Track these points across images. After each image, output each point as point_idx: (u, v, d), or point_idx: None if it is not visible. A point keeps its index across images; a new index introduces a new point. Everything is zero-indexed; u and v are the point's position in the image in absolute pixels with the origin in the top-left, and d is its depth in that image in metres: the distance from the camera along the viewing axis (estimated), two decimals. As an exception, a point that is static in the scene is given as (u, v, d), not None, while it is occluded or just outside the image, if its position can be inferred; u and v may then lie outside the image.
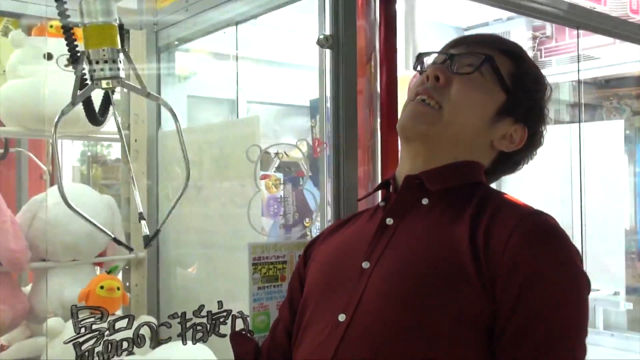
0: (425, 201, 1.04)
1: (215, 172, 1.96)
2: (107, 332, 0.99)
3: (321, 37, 1.42)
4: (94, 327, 0.98)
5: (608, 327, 2.72)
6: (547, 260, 0.90)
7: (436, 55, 1.12)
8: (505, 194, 1.04)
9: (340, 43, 1.42)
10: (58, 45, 1.99)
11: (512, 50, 1.10)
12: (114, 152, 3.32)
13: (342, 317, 0.97)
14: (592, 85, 3.95)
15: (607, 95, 4.63)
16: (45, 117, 1.92)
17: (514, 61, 1.08)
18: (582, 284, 0.93)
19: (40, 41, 2.02)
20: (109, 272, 1.95)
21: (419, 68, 1.14)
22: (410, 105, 1.06)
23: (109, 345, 0.99)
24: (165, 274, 2.18)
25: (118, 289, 1.77)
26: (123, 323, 1.01)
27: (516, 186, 3.05)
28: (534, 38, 3.11)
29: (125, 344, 1.01)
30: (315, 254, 1.16)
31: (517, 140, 1.08)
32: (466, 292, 0.90)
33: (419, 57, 1.15)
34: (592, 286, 2.52)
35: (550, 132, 3.00)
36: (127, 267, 2.18)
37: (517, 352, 0.89)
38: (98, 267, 2.13)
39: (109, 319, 0.99)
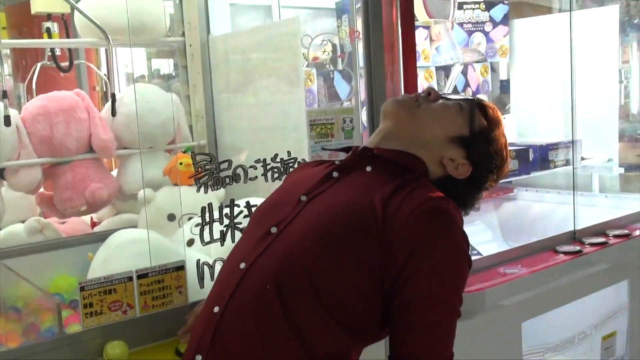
0: (368, 168, 1.25)
1: (262, 67, 2.32)
2: (215, 171, 1.41)
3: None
4: (206, 167, 1.39)
5: (603, 190, 3.11)
6: (434, 237, 1.11)
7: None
8: (432, 187, 1.22)
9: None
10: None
11: (492, 116, 1.32)
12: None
13: (273, 229, 1.19)
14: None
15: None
16: (116, 27, 2.30)
17: (489, 124, 1.31)
18: (460, 264, 1.15)
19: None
20: (184, 152, 2.36)
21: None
22: (404, 96, 1.34)
23: (217, 179, 1.41)
24: (222, 156, 2.59)
25: (192, 164, 2.19)
26: (225, 165, 1.43)
27: (522, 73, 3.38)
28: None
29: (227, 180, 1.43)
30: (289, 177, 1.46)
31: (461, 171, 1.27)
32: (367, 243, 1.10)
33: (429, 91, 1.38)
34: (589, 154, 2.89)
35: (551, 21, 3.28)
36: (190, 152, 2.60)
37: (396, 300, 1.11)
38: (168, 153, 2.54)
39: (215, 161, 1.41)
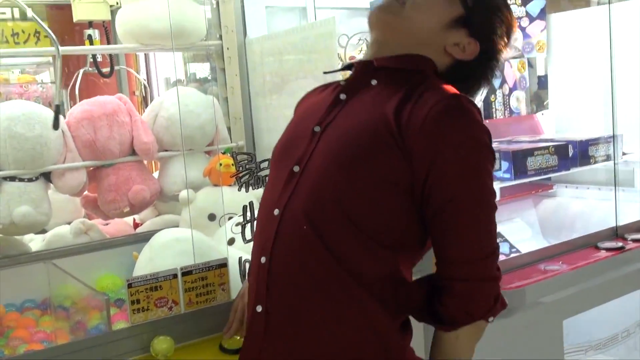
0: (374, 82, 1.19)
1: (298, 68, 2.35)
2: (255, 170, 1.44)
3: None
4: (247, 166, 1.42)
5: (645, 187, 3.05)
6: (451, 136, 1.08)
7: None
8: (439, 86, 1.16)
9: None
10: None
11: None
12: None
13: (296, 169, 1.16)
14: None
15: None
16: (156, 33, 2.36)
17: None
18: (485, 155, 1.11)
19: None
20: (223, 153, 2.40)
21: None
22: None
23: (258, 178, 1.44)
24: (260, 156, 2.63)
25: (232, 165, 2.23)
26: (265, 164, 1.45)
27: (561, 69, 3.34)
28: None
29: (267, 178, 1.46)
30: (297, 110, 1.40)
31: (467, 51, 1.21)
32: (389, 159, 1.08)
33: None
34: (630, 149, 2.84)
35: (590, 14, 3.22)
36: (230, 153, 2.64)
37: (428, 209, 1.10)
38: (207, 154, 2.59)
39: (255, 161, 1.44)
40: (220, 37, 2.59)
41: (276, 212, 1.14)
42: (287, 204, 1.13)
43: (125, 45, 2.46)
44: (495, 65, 1.25)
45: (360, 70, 1.22)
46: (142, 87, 3.60)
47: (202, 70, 4.17)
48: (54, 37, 2.17)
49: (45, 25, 2.35)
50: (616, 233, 2.35)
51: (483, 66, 1.24)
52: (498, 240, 1.16)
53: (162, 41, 2.37)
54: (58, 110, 2.15)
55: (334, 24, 2.14)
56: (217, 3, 2.58)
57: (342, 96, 1.20)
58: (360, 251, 1.09)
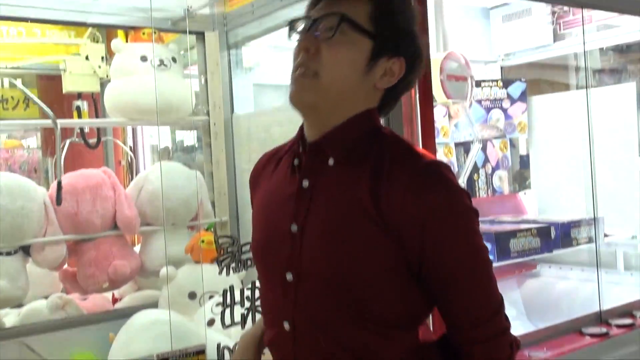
0: (331, 161, 1.12)
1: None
2: (237, 253, 1.42)
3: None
4: (229, 249, 1.41)
5: (628, 268, 3.06)
6: (437, 208, 1.04)
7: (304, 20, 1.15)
8: (400, 139, 1.14)
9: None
10: (150, 49, 2.44)
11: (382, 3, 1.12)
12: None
13: (289, 277, 1.11)
14: (615, 50, 4.19)
15: (631, 59, 4.87)
16: (144, 108, 2.38)
17: (372, 1, 1.12)
18: (470, 217, 1.08)
19: (136, 46, 2.47)
20: (206, 229, 2.38)
21: (293, 36, 1.17)
22: (292, 78, 1.12)
23: (239, 262, 1.42)
24: (244, 233, 2.62)
25: (214, 242, 2.21)
26: (247, 247, 1.44)
27: (542, 149, 3.41)
28: (553, 13, 3.43)
29: (249, 262, 1.45)
30: (256, 193, 1.28)
31: (396, 72, 1.13)
32: (380, 249, 1.05)
33: (291, 25, 1.17)
34: (611, 231, 2.87)
35: (569, 98, 3.34)
36: (212, 229, 2.62)
37: (431, 282, 1.08)
38: (190, 229, 2.57)
39: (238, 244, 1.43)
40: (208, 113, 2.61)
41: (286, 326, 1.12)
42: (294, 316, 1.11)
43: (114, 120, 2.48)
44: (420, 55, 1.17)
45: (313, 153, 1.14)
46: (128, 157, 3.61)
47: (189, 139, 4.21)
48: (51, 113, 2.20)
49: (36, 97, 2.37)
50: (600, 318, 2.33)
51: (412, 68, 1.16)
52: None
53: (150, 116, 2.39)
54: (60, 186, 2.17)
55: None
56: (206, 80, 2.62)
57: (305, 183, 1.13)
58: (378, 340, 1.08)
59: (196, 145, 3.80)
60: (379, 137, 1.13)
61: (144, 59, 2.42)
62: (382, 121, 1.20)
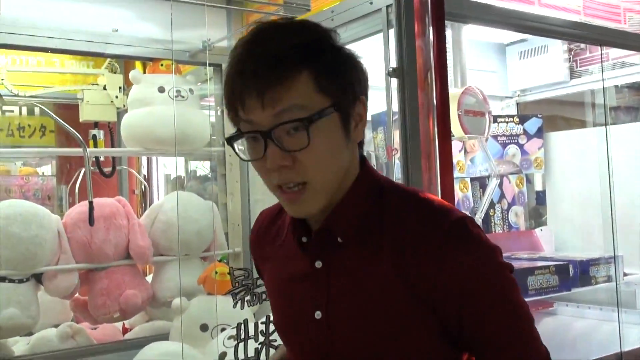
0: (340, 240, 1.03)
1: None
2: (252, 286, 1.40)
3: (390, 69, 1.82)
4: (243, 282, 1.39)
5: (648, 308, 3.00)
6: (472, 270, 0.96)
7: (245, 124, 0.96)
8: (407, 194, 1.05)
9: (404, 71, 1.82)
10: (168, 80, 2.46)
11: (322, 62, 0.97)
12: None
13: None
14: (630, 88, 4.19)
15: (647, 97, 4.86)
16: (161, 138, 2.39)
17: (309, 72, 0.95)
18: (506, 274, 1.00)
19: (154, 77, 2.49)
20: (220, 260, 2.37)
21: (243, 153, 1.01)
22: (283, 199, 0.99)
23: (254, 295, 1.40)
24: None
25: (228, 273, 2.19)
26: (261, 281, 1.42)
27: (559, 186, 3.38)
28: (570, 50, 3.43)
29: (264, 295, 1.42)
30: (263, 260, 1.19)
31: (364, 113, 1.02)
32: (412, 319, 0.98)
33: (231, 142, 1.00)
34: (631, 270, 2.81)
35: (586, 135, 3.30)
36: (225, 260, 2.61)
37: (477, 348, 1.00)
38: (203, 260, 2.56)
39: (252, 277, 1.41)
40: (223, 144, 2.62)
41: None
42: None
43: (130, 149, 2.49)
44: (366, 77, 1.04)
45: (321, 242, 1.03)
46: (142, 186, 3.62)
47: (202, 169, 4.22)
48: (81, 139, 2.21)
49: (66, 125, 2.38)
50: (621, 359, 2.27)
51: (367, 93, 1.05)
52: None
53: (167, 146, 2.40)
54: (92, 207, 2.19)
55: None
56: (222, 111, 2.63)
57: (318, 264, 1.04)
58: None
59: (209, 176, 3.81)
60: (384, 197, 1.03)
61: (161, 89, 2.44)
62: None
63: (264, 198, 2.54)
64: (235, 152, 1.01)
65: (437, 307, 0.97)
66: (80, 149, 2.32)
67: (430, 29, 1.85)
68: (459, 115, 2.19)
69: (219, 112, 2.65)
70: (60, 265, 2.19)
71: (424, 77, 1.87)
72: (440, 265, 0.95)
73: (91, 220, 2.15)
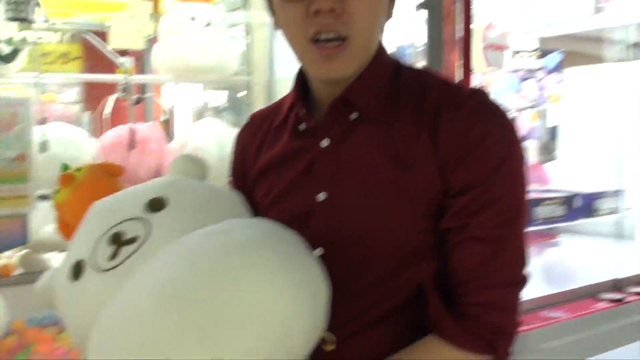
0: (354, 116, 0.98)
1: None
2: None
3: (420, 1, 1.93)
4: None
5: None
6: (490, 141, 0.92)
7: None
8: (424, 72, 1.04)
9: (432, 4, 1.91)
10: (199, 9, 2.55)
11: None
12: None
13: (319, 252, 0.95)
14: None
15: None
16: (193, 66, 2.49)
17: None
18: (517, 150, 0.95)
19: (186, 6, 2.57)
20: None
21: None
22: (316, 50, 0.92)
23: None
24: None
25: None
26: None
27: (574, 118, 3.45)
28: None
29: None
30: (255, 159, 1.10)
31: None
32: (430, 195, 0.93)
33: None
34: (630, 204, 2.92)
35: (604, 71, 3.33)
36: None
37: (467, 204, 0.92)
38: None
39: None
40: (250, 74, 2.73)
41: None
42: None
43: (163, 76, 2.59)
44: None
45: (335, 109, 0.98)
46: (168, 114, 3.73)
47: (221, 99, 4.32)
48: (128, 66, 2.35)
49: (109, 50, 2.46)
50: (617, 285, 2.43)
51: None
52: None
53: (198, 74, 2.51)
54: (133, 133, 2.33)
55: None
56: (252, 40, 2.73)
57: (324, 143, 0.99)
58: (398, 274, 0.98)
59: (228, 106, 3.94)
60: (401, 76, 1.01)
61: (192, 18, 2.53)
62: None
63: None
64: None
65: (448, 174, 0.92)
66: (116, 75, 2.44)
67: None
68: (483, 48, 2.26)
69: (247, 42, 2.74)
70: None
71: (450, 10, 1.93)
72: (468, 128, 0.92)
73: (132, 144, 2.29)
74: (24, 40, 1.92)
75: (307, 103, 1.03)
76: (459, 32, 1.96)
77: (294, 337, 0.79)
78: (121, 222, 0.89)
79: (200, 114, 4.04)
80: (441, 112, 0.94)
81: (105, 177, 1.23)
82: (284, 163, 1.04)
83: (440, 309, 0.93)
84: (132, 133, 2.29)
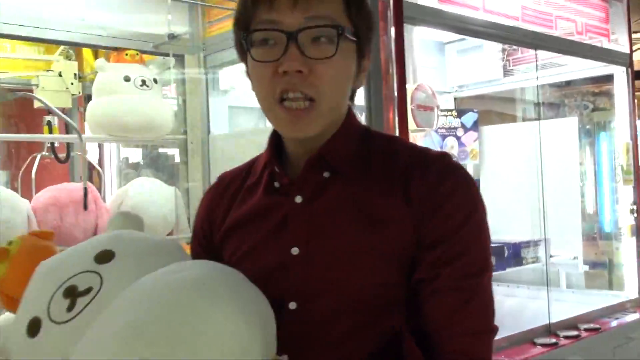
0: (327, 174, 1.01)
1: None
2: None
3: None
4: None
5: (570, 286, 3.33)
6: (459, 188, 0.97)
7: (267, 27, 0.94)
8: (390, 137, 1.10)
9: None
10: (133, 69, 2.54)
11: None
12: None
13: (292, 306, 0.97)
14: (553, 86, 4.53)
15: (569, 93, 5.24)
16: (127, 126, 2.47)
17: (354, 1, 0.98)
18: (482, 205, 0.99)
19: (119, 66, 2.56)
20: (188, 244, 2.47)
21: (255, 52, 0.96)
22: (282, 113, 0.95)
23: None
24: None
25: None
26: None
27: (492, 175, 3.66)
28: (503, 50, 3.71)
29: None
30: (225, 216, 1.10)
31: (367, 67, 1.04)
32: (399, 243, 0.95)
33: (247, 37, 0.96)
34: (556, 252, 3.12)
35: (517, 129, 3.60)
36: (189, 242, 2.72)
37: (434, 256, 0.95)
38: (166, 244, 2.65)
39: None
40: (185, 132, 2.72)
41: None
42: (296, 345, 0.96)
43: (97, 136, 2.54)
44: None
45: (309, 168, 1.01)
46: (97, 173, 3.64)
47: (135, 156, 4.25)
48: (78, 129, 2.26)
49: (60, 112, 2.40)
50: (549, 330, 2.55)
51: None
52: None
53: (132, 134, 2.49)
54: (86, 193, 2.27)
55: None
56: (184, 100, 2.74)
57: (298, 199, 1.01)
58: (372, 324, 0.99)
59: (146, 162, 3.90)
60: (370, 139, 1.06)
61: (127, 79, 2.52)
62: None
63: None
64: (248, 51, 0.97)
65: (421, 228, 0.95)
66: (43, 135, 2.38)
67: (392, 29, 2.03)
68: (412, 109, 2.39)
69: (180, 101, 2.75)
70: (29, 248, 2.25)
71: (385, 73, 2.05)
72: (438, 184, 0.96)
73: (85, 205, 2.22)
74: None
75: (280, 161, 1.05)
76: (394, 92, 2.07)
77: None
78: (72, 277, 0.92)
79: (120, 171, 3.97)
80: (411, 171, 0.98)
81: (39, 243, 1.25)
82: (257, 218, 1.05)
83: (417, 355, 0.95)
84: (85, 194, 2.23)
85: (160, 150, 3.96)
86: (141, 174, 3.88)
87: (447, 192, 0.96)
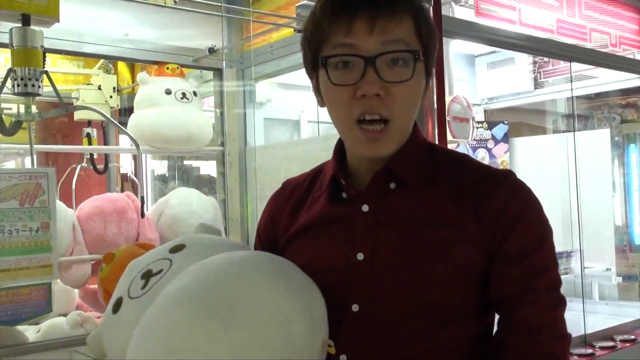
0: (393, 185, 1.04)
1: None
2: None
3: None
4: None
5: (602, 298, 3.32)
6: (530, 216, 1.02)
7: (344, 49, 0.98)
8: (457, 153, 1.14)
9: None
10: (173, 83, 2.61)
11: (422, 14, 1.02)
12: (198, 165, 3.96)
13: (355, 308, 1.00)
14: (582, 98, 4.53)
15: (596, 105, 5.23)
16: (168, 138, 2.53)
17: (412, 16, 1.01)
18: (549, 227, 1.07)
19: (160, 80, 2.63)
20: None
21: (334, 75, 1.00)
22: (360, 133, 1.00)
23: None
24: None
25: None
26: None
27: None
28: (534, 63, 3.73)
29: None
30: (291, 220, 1.15)
31: (430, 82, 1.08)
32: (462, 266, 1.00)
33: (327, 61, 1.00)
34: (588, 264, 3.13)
35: (548, 141, 3.63)
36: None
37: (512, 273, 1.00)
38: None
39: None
40: (222, 144, 2.78)
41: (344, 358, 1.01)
42: (359, 349, 1.01)
43: (151, 148, 2.58)
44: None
45: (378, 179, 1.05)
46: (131, 184, 3.72)
47: (161, 167, 4.32)
48: (137, 142, 2.30)
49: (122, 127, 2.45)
50: (585, 341, 2.55)
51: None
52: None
53: (172, 145, 2.55)
54: (143, 201, 2.33)
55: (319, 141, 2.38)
56: (222, 112, 2.80)
57: (365, 207, 1.04)
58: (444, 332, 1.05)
59: (172, 174, 3.97)
60: (435, 154, 1.10)
61: (168, 91, 2.58)
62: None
63: (260, 195, 2.72)
64: (326, 73, 1.00)
65: (496, 243, 1.00)
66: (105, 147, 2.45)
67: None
68: (448, 121, 2.42)
69: (218, 114, 2.81)
70: (74, 256, 2.31)
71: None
72: (509, 203, 1.01)
73: (142, 213, 2.29)
74: (28, 114, 1.95)
75: (346, 173, 1.10)
76: (434, 105, 2.10)
77: (293, 334, 0.93)
78: (150, 263, 1.10)
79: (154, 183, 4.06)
80: (480, 188, 1.02)
81: (137, 251, 1.54)
82: (323, 225, 1.10)
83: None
84: (142, 203, 2.30)
85: (185, 162, 4.05)
86: (169, 186, 3.98)
87: (519, 210, 1.01)
